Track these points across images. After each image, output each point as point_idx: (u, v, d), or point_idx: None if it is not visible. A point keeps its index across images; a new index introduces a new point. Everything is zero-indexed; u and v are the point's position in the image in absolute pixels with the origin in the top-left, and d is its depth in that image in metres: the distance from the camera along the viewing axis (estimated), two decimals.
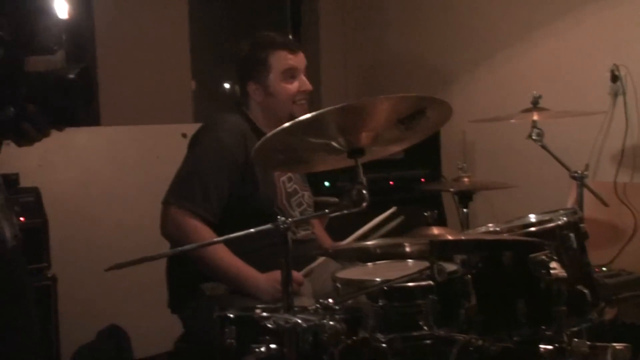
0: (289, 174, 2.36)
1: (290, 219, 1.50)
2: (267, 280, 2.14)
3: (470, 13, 3.94)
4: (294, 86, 2.32)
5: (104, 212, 3.33)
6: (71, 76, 1.27)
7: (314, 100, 4.57)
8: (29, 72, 1.30)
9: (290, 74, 2.32)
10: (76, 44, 3.60)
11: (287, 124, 1.50)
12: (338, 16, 4.59)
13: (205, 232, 2.15)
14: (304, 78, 2.35)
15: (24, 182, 2.90)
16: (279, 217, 1.50)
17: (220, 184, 2.21)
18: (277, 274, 2.06)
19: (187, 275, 2.26)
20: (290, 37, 4.57)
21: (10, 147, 3.24)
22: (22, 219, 2.65)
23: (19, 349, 1.61)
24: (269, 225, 1.52)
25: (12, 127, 1.30)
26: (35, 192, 2.84)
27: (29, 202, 2.78)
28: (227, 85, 4.47)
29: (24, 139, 1.39)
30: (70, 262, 3.05)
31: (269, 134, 1.53)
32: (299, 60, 2.35)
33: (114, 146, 3.44)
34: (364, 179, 1.50)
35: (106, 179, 3.37)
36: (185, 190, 2.19)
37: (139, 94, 3.64)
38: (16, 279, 1.64)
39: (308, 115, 1.48)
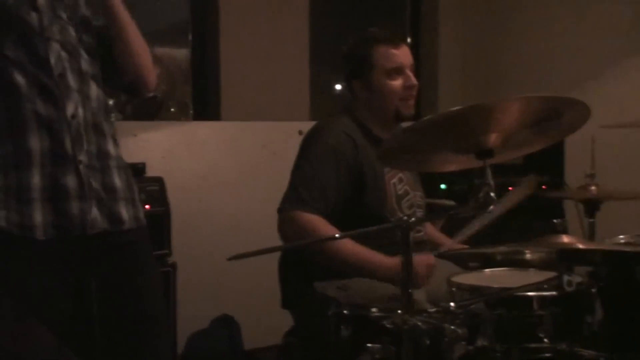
0: (400, 175, 2.28)
1: (412, 218, 1.47)
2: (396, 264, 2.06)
3: (601, 14, 3.75)
4: (398, 82, 2.23)
5: (221, 203, 3.43)
6: None
7: (431, 99, 4.54)
8: None
9: (394, 69, 2.23)
10: (201, 42, 3.73)
11: (416, 123, 1.47)
12: (459, 17, 4.51)
13: (324, 225, 2.10)
14: (409, 73, 2.24)
15: (149, 172, 3.04)
16: (402, 215, 1.47)
17: (336, 186, 2.16)
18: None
19: (300, 273, 2.26)
20: (409, 38, 4.53)
21: (137, 139, 3.40)
22: (147, 206, 2.76)
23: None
24: (390, 224, 1.50)
25: None
26: (160, 181, 2.95)
27: (154, 190, 2.90)
28: (339, 86, 4.50)
29: None
30: (189, 250, 3.15)
31: (394, 132, 1.51)
32: (402, 54, 2.25)
33: (233, 140, 3.54)
34: (492, 181, 1.44)
35: (225, 172, 3.47)
36: (300, 196, 2.13)
37: (258, 91, 3.72)
38: (136, 260, 1.68)
39: (438, 115, 1.45)
